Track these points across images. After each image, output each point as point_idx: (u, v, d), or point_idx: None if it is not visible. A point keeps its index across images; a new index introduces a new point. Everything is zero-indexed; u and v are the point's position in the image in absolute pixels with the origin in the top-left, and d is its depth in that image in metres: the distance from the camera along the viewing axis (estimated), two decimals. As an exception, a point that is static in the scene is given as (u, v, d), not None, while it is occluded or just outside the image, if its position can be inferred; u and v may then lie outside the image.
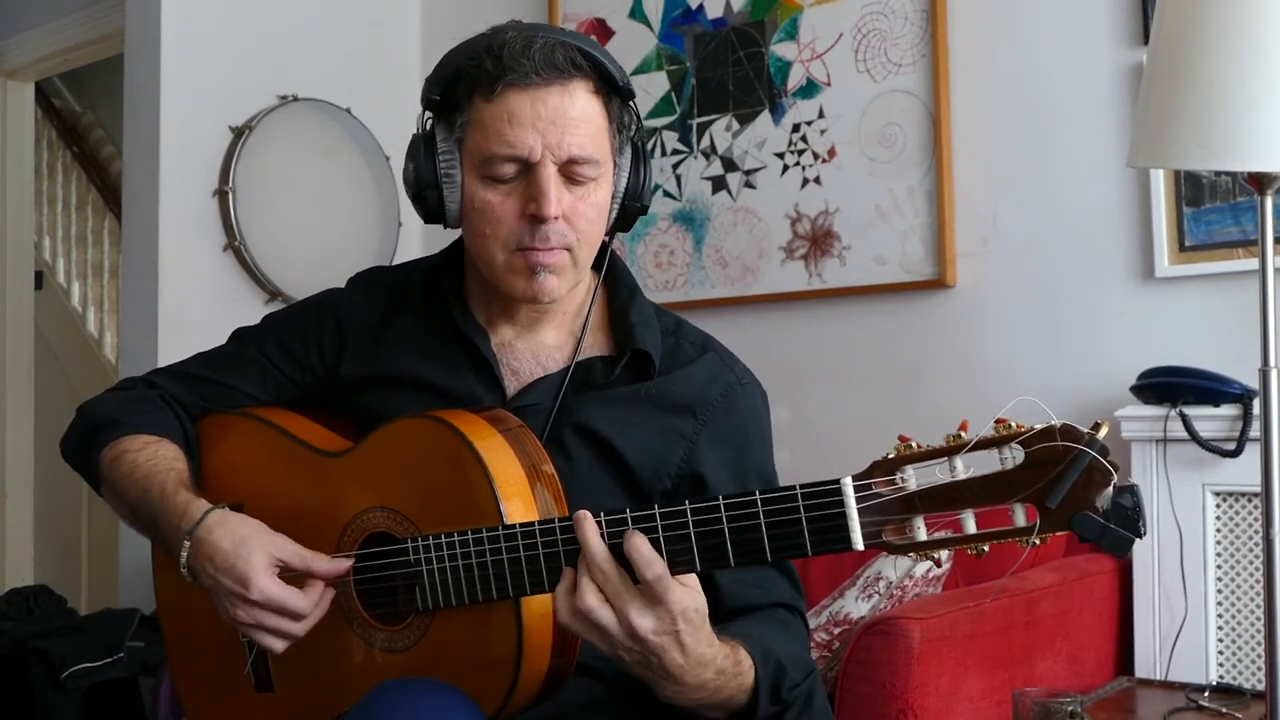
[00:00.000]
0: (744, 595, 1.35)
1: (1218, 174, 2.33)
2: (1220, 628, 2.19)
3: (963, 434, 1.07)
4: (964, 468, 1.07)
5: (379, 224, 3.39)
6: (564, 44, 1.29)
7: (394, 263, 2.85)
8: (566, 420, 1.37)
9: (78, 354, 5.39)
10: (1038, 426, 1.05)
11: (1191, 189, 2.38)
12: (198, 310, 3.01)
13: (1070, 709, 1.57)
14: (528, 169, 1.29)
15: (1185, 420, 2.17)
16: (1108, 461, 1.03)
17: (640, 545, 1.13)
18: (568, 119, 1.28)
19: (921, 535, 1.08)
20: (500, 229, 1.31)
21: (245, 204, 3.08)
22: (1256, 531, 2.14)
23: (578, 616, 1.14)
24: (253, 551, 1.26)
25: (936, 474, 1.08)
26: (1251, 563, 2.16)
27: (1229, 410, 2.16)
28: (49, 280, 5.46)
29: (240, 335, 1.53)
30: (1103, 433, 1.03)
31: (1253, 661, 2.16)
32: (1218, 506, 2.20)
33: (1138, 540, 1.03)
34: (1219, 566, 2.20)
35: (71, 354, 5.39)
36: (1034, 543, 1.05)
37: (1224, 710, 1.96)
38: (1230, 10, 1.65)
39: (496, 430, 1.29)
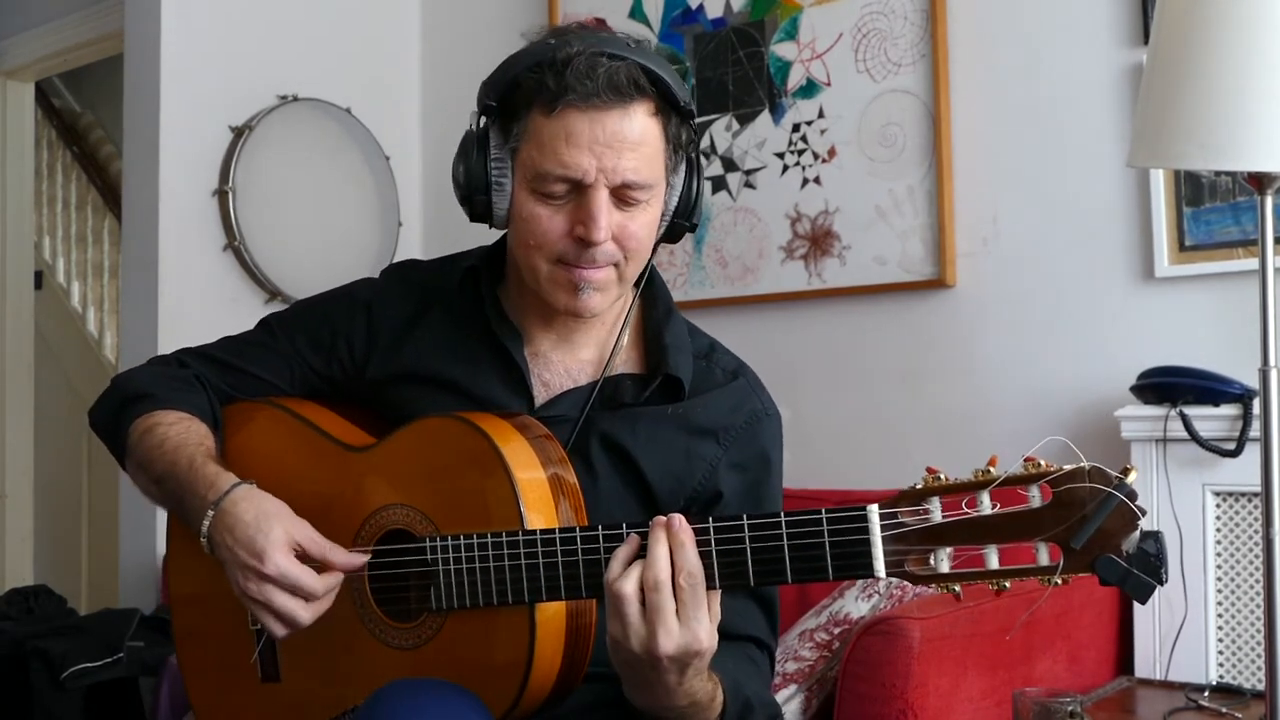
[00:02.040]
0: (723, 621, 1.36)
1: (1218, 174, 2.33)
2: (1220, 628, 2.19)
3: (991, 469, 1.07)
4: (990, 503, 1.07)
5: (379, 224, 3.39)
6: (629, 64, 1.27)
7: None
8: (591, 433, 1.37)
9: (78, 354, 5.39)
10: (1067, 467, 1.05)
11: (1191, 189, 2.38)
12: (198, 310, 3.01)
13: (1070, 709, 1.57)
14: (579, 190, 1.28)
15: (1185, 420, 2.17)
16: (1135, 505, 1.02)
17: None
18: (625, 143, 1.27)
19: (944, 567, 1.08)
20: (545, 241, 1.31)
21: (245, 204, 3.08)
22: (1256, 531, 2.14)
23: (648, 587, 1.14)
24: (273, 528, 1.26)
25: (963, 507, 1.08)
26: (1251, 563, 2.16)
27: (1229, 410, 2.16)
28: (49, 280, 5.46)
29: (270, 323, 1.53)
30: (1131, 477, 1.03)
31: (1253, 661, 2.16)
32: (1218, 506, 2.20)
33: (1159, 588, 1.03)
34: (1219, 566, 2.20)
35: (71, 354, 5.39)
36: (1056, 582, 1.05)
37: (1224, 710, 1.96)
38: (1230, 10, 1.65)
39: (523, 436, 1.29)
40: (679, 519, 1.15)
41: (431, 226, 3.53)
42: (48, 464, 4.80)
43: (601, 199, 1.28)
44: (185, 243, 3.02)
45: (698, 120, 3.03)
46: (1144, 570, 1.02)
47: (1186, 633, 2.18)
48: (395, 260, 3.34)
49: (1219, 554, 2.20)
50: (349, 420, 1.44)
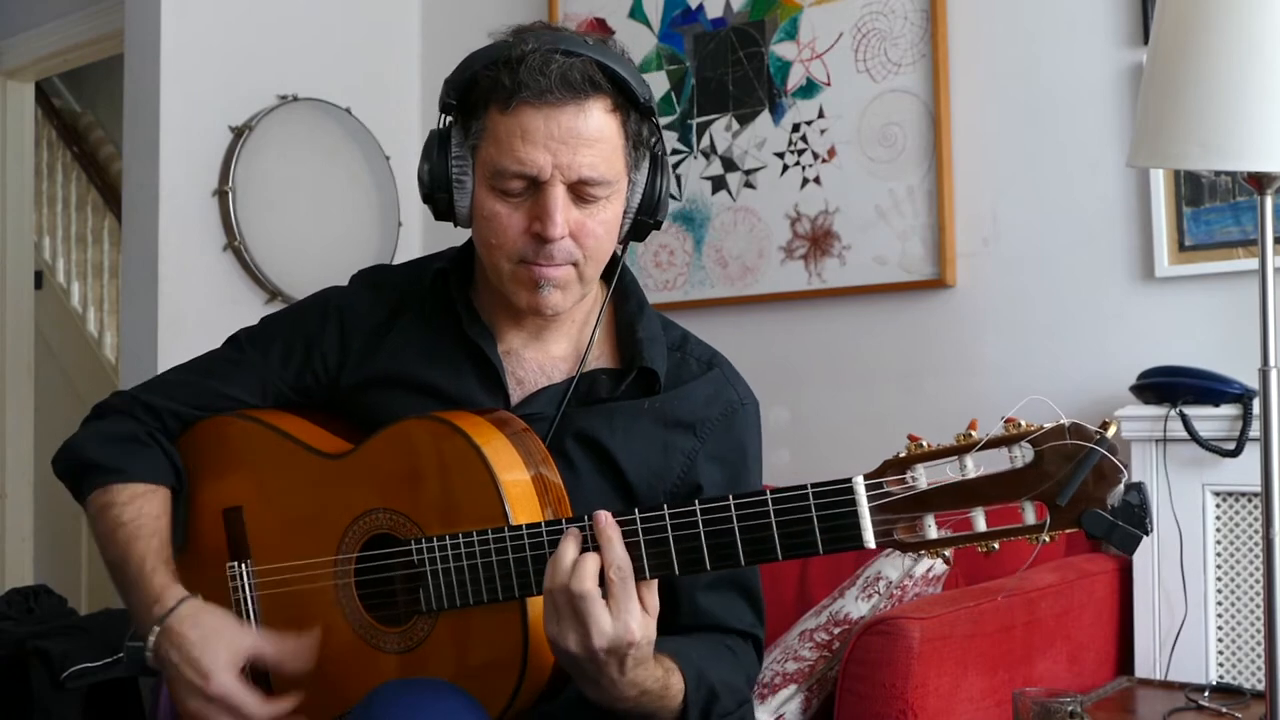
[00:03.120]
0: (709, 615, 1.37)
1: (1218, 174, 2.33)
2: (1220, 628, 2.19)
3: (973, 433, 1.08)
4: (974, 466, 1.08)
5: (379, 224, 3.39)
6: (584, 60, 1.27)
7: (393, 262, 2.85)
8: (568, 430, 1.37)
9: (78, 354, 5.40)
10: (1047, 425, 1.06)
11: (1191, 189, 2.38)
12: (198, 310, 3.01)
13: (1070, 709, 1.56)
14: (536, 186, 1.29)
15: (1185, 420, 2.17)
16: (1116, 460, 1.03)
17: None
18: (580, 139, 1.27)
19: (932, 533, 1.09)
20: (505, 240, 1.31)
21: (245, 204, 3.08)
22: (1256, 531, 2.14)
23: (578, 597, 1.15)
24: (219, 649, 1.28)
25: (947, 473, 1.09)
26: (1251, 563, 2.16)
27: (1229, 410, 2.16)
28: (49, 280, 5.46)
29: (238, 339, 1.52)
30: (1111, 431, 1.05)
31: (1253, 661, 2.16)
32: (1218, 506, 2.20)
33: (1145, 538, 1.04)
34: (1219, 566, 2.20)
35: (71, 354, 5.39)
36: (1044, 540, 1.06)
37: (1224, 710, 1.96)
38: (1230, 10, 1.65)
39: (501, 432, 1.29)
40: (604, 515, 1.17)
41: (431, 226, 3.52)
42: (48, 464, 4.79)
43: (557, 195, 1.28)
44: (185, 243, 3.02)
45: (697, 120, 3.04)
46: (1129, 522, 1.04)
47: (1186, 633, 2.18)
48: (396, 260, 3.35)
49: (1219, 554, 2.20)
50: (324, 428, 1.43)
